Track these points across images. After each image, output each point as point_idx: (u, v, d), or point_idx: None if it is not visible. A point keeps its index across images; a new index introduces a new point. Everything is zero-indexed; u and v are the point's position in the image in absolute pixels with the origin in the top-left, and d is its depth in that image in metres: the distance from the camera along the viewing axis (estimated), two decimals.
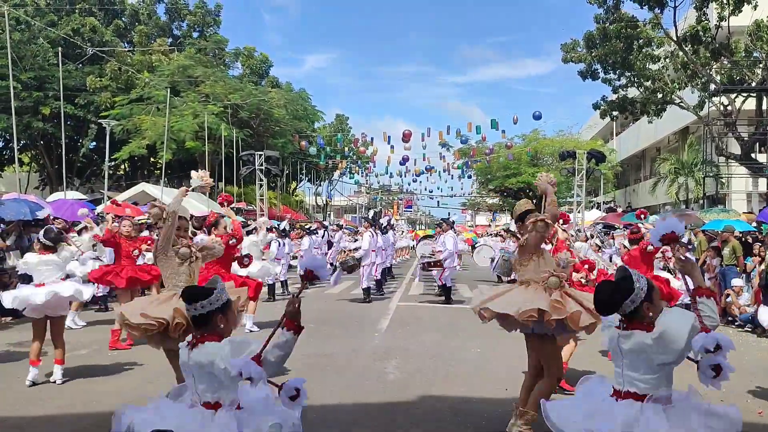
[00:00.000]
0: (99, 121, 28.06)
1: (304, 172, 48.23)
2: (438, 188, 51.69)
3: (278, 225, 17.10)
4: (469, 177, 45.90)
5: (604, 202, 36.87)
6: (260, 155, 24.68)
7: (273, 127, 36.08)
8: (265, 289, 13.83)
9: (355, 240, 19.14)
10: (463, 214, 78.77)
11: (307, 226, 19.34)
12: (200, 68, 33.46)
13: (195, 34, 39.84)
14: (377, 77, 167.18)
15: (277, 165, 25.94)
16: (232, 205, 8.79)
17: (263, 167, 24.35)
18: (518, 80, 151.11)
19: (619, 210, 31.74)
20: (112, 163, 32.85)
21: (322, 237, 18.38)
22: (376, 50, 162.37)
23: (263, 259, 11.30)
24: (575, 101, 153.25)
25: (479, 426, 5.28)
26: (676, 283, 8.52)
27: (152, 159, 35.52)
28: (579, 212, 26.05)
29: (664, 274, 9.16)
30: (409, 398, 6.08)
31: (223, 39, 39.45)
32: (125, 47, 36.41)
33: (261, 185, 25.04)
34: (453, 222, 15.50)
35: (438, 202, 57.05)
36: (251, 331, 9.61)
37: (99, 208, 21.81)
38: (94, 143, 34.60)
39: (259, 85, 38.99)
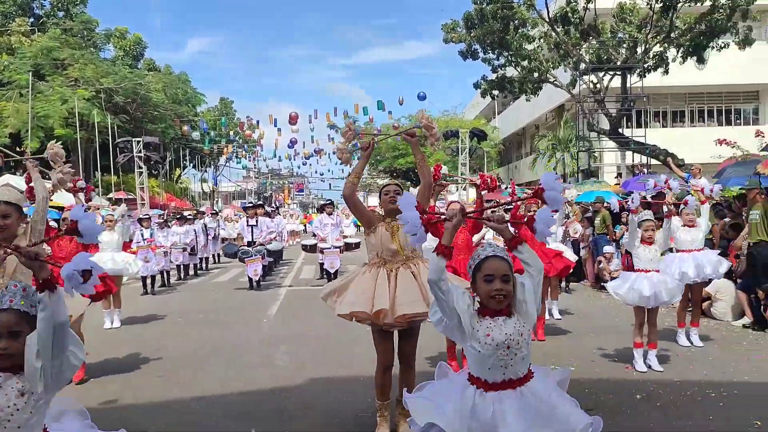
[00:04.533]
0: None
1: (188, 158, 46.52)
2: (329, 170, 51.44)
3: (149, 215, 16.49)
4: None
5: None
6: (138, 142, 23.62)
7: (151, 111, 34.43)
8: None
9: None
10: None
11: (178, 215, 18.28)
12: (67, 50, 31.23)
13: (60, 14, 37.07)
14: (262, 61, 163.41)
15: (157, 151, 24.91)
16: (110, 195, 8.24)
17: (142, 154, 23.33)
18: (404, 62, 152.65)
19: (503, 187, 32.96)
20: None
21: (203, 226, 17.83)
22: (261, 33, 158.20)
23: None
24: (460, 82, 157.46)
25: (369, 402, 5.29)
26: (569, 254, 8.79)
27: (18, 149, 32.86)
28: (464, 189, 26.87)
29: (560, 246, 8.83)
30: (299, 383, 6.01)
31: (92, 19, 36.99)
32: None
33: (141, 173, 23.92)
34: (333, 203, 15.54)
35: (330, 184, 56.86)
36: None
37: None
38: None
39: (135, 68, 37.03)
